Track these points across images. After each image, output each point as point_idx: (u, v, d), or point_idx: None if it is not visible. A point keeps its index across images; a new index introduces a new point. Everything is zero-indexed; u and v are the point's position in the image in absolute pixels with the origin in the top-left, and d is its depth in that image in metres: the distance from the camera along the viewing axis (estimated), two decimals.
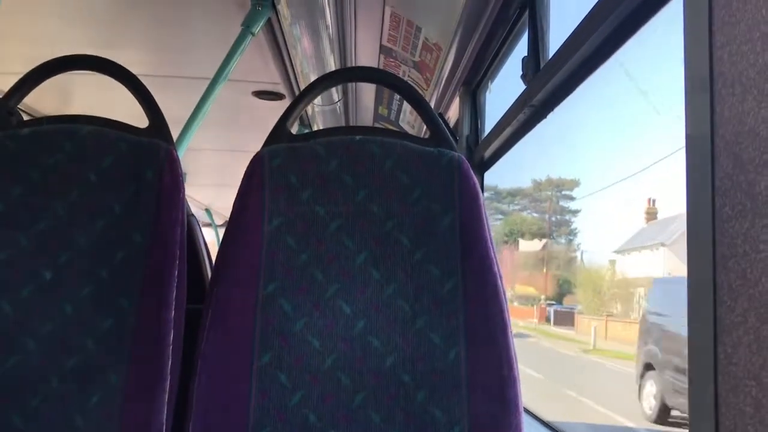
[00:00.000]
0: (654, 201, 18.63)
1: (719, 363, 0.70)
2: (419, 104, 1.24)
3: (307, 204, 1.12)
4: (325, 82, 1.27)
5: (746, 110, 0.68)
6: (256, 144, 1.22)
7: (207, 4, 2.28)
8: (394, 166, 1.14)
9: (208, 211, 7.12)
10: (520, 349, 1.07)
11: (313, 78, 2.62)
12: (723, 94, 0.72)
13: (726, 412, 0.69)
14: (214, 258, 1.20)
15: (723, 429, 0.69)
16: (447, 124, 3.06)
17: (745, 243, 0.67)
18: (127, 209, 1.13)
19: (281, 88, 3.04)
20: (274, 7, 2.20)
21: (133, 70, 1.24)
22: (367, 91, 3.54)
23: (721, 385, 0.70)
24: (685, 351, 0.76)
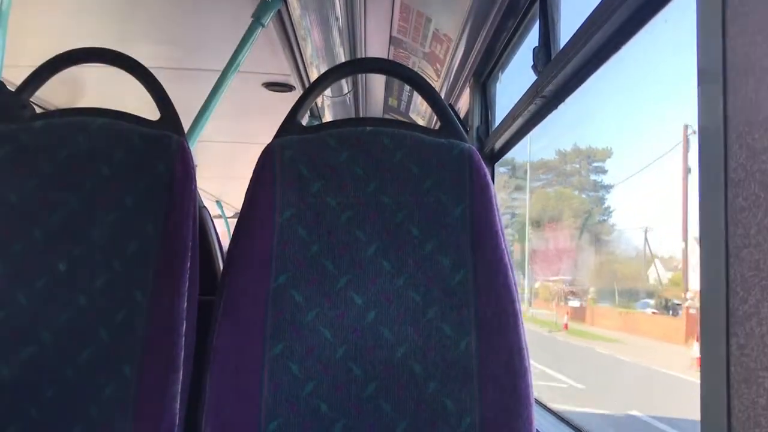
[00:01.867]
0: None
1: (732, 354, 0.70)
2: (430, 95, 1.24)
3: (318, 195, 1.13)
4: (335, 73, 1.27)
5: (760, 100, 0.67)
6: (266, 135, 1.22)
7: None
8: (405, 158, 1.14)
9: (218, 202, 7.14)
10: None
11: (323, 69, 2.62)
12: (736, 84, 0.72)
13: (738, 404, 0.69)
14: (225, 249, 1.20)
15: (735, 420, 0.69)
16: (457, 116, 3.05)
17: (759, 234, 0.67)
18: (140, 201, 1.13)
19: (291, 80, 3.04)
20: None
21: (144, 63, 1.25)
22: (377, 83, 3.53)
23: (733, 376, 0.70)
24: None
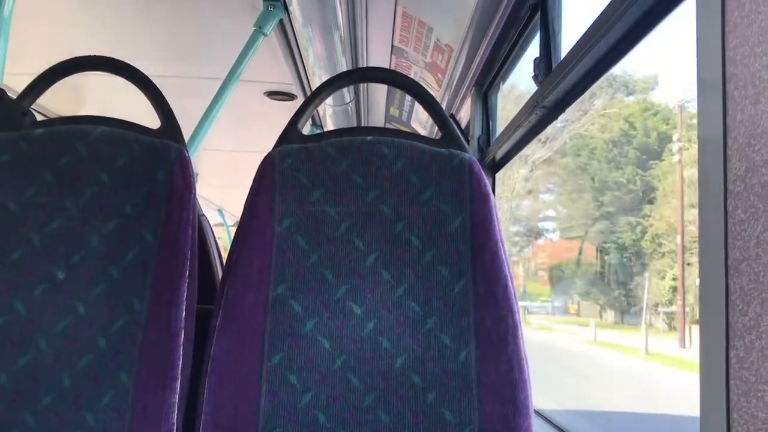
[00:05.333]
0: None
1: (731, 367, 0.70)
2: (430, 105, 1.24)
3: (317, 204, 1.13)
4: (336, 82, 1.27)
5: (759, 112, 0.67)
6: (268, 144, 1.22)
7: (219, 6, 2.30)
8: (405, 167, 1.14)
9: (220, 211, 7.15)
10: None
11: (324, 78, 2.62)
12: (736, 96, 0.71)
13: (738, 417, 0.68)
14: (224, 258, 1.20)
15: None
16: (459, 125, 3.05)
17: (758, 246, 0.66)
18: (139, 209, 1.13)
19: (293, 89, 3.05)
20: (285, 7, 2.21)
21: (146, 71, 1.25)
22: (379, 92, 3.54)
23: (733, 390, 0.69)
24: None
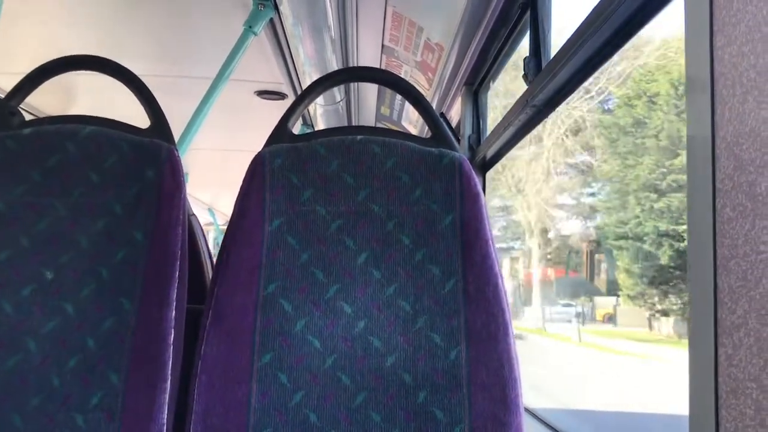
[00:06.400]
0: None
1: (720, 365, 0.70)
2: (420, 104, 1.24)
3: (308, 204, 1.12)
4: (326, 82, 1.27)
5: (747, 111, 0.68)
6: (258, 143, 1.22)
7: (209, 4, 2.29)
8: (395, 166, 1.14)
9: (210, 210, 7.13)
10: None
11: (315, 77, 2.62)
12: (724, 94, 0.72)
13: (726, 415, 0.69)
14: (215, 257, 1.20)
15: (723, 431, 0.69)
16: (449, 124, 3.06)
17: (746, 244, 0.67)
18: (128, 209, 1.13)
19: (283, 88, 3.05)
20: (275, 6, 2.21)
21: (135, 71, 1.25)
22: (370, 91, 3.54)
23: (721, 387, 0.70)
24: None
